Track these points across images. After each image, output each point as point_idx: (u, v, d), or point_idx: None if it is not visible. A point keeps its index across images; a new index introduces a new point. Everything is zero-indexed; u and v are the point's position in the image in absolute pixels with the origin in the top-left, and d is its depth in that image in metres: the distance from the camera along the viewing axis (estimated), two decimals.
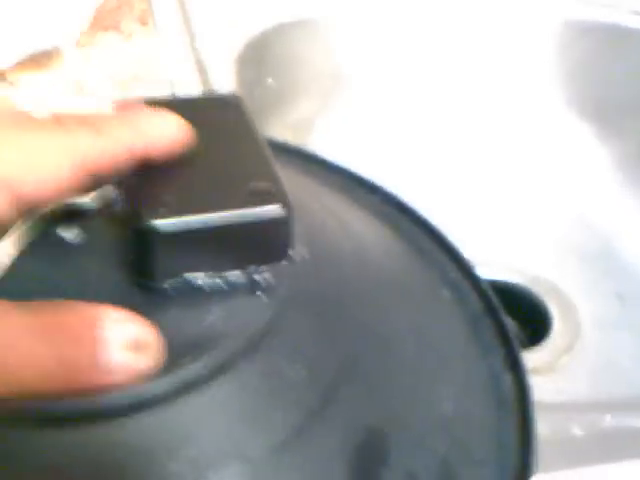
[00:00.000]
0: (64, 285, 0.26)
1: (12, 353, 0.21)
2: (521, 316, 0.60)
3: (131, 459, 0.23)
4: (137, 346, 0.22)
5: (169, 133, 0.27)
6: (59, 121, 0.24)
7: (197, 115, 0.28)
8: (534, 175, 0.69)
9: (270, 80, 0.61)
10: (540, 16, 0.68)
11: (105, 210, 0.28)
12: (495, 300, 0.35)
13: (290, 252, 0.27)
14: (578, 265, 0.64)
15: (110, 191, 0.28)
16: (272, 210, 0.26)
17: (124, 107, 0.28)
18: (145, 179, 0.27)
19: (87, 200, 0.27)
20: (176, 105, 0.29)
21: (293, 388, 0.26)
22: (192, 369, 0.24)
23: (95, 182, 0.25)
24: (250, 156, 0.28)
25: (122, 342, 0.22)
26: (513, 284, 0.63)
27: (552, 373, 0.55)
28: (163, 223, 0.25)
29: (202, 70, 0.55)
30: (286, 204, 0.26)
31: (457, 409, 0.30)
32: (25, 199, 0.23)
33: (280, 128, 0.61)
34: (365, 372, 0.28)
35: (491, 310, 0.35)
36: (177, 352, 0.24)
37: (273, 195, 0.26)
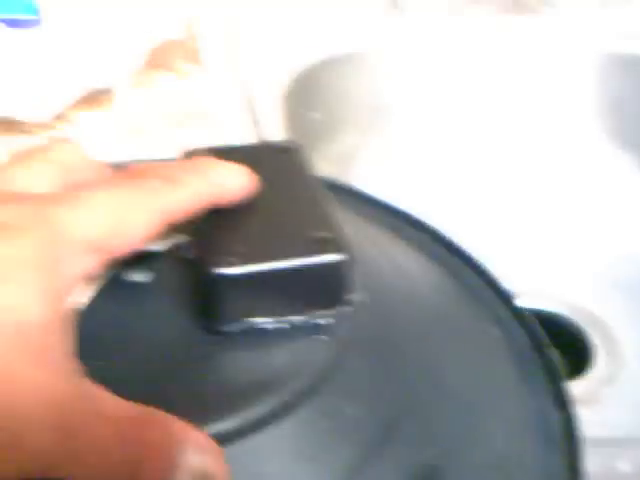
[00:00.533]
0: (134, 326, 0.28)
1: (89, 438, 0.21)
2: (563, 346, 0.60)
3: None
4: (204, 477, 0.22)
5: (237, 182, 0.28)
6: (137, 175, 0.25)
7: (258, 162, 0.30)
8: (576, 207, 0.70)
9: (316, 114, 0.63)
10: (581, 49, 0.69)
11: (173, 254, 0.29)
12: (543, 337, 0.36)
13: (350, 296, 0.28)
14: (621, 296, 0.65)
15: (179, 236, 0.29)
16: (332, 258, 0.27)
17: (193, 157, 0.29)
18: (212, 225, 0.28)
19: (156, 244, 0.29)
20: (238, 153, 0.30)
21: (353, 427, 0.27)
22: (257, 410, 0.26)
23: (168, 229, 0.27)
24: (310, 203, 0.30)
25: (194, 472, 0.22)
26: (555, 314, 0.64)
27: (594, 404, 0.56)
28: (231, 271, 0.26)
29: (251, 106, 0.57)
30: (347, 251, 0.27)
31: (508, 446, 0.31)
32: (115, 258, 0.24)
33: (323, 161, 0.63)
34: (421, 410, 0.29)
35: (539, 347, 0.36)
36: (242, 393, 0.26)
37: (334, 242, 0.27)
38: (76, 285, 0.23)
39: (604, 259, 0.68)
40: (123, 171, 0.26)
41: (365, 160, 0.67)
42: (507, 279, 0.38)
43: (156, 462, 0.21)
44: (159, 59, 0.59)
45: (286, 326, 0.28)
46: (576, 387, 0.57)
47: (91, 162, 0.26)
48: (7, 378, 0.20)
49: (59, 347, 0.22)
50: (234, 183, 0.28)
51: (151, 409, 0.22)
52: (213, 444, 0.22)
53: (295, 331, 0.28)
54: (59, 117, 0.54)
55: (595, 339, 0.62)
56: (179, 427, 0.22)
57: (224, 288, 0.26)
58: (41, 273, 0.22)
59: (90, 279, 0.25)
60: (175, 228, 0.28)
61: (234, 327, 0.27)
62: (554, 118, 0.71)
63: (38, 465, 0.21)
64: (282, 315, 0.27)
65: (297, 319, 0.28)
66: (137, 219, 0.24)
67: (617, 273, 0.66)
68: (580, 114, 0.71)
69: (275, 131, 0.55)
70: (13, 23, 0.50)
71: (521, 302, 0.37)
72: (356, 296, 0.29)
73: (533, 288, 0.65)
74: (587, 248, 0.69)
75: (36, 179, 0.24)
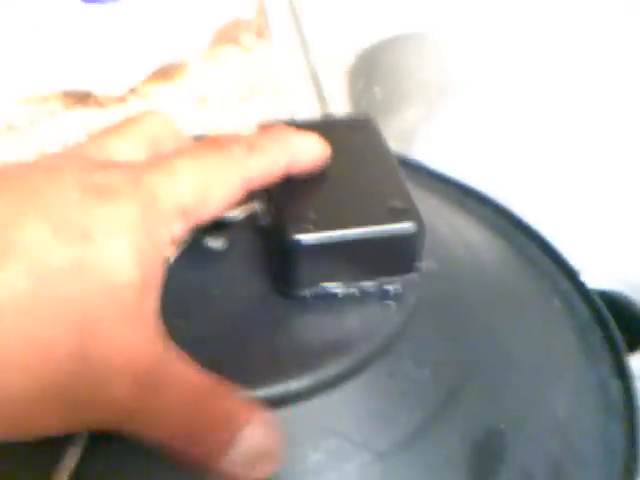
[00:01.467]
0: (212, 289, 0.29)
1: (165, 399, 0.23)
2: (619, 323, 0.60)
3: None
4: (261, 455, 0.23)
5: (311, 151, 0.29)
6: (220, 144, 0.26)
7: (335, 136, 0.31)
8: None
9: (377, 89, 0.63)
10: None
11: (249, 221, 0.30)
12: (604, 310, 0.37)
13: (418, 264, 0.30)
14: None
15: (255, 204, 0.31)
16: (406, 227, 0.28)
17: (268, 128, 0.31)
18: (288, 194, 0.29)
19: (233, 212, 0.30)
20: (315, 126, 0.32)
21: (419, 389, 0.28)
22: (330, 370, 0.27)
23: (246, 196, 0.28)
24: (384, 175, 0.31)
25: (252, 447, 0.23)
26: (616, 292, 0.64)
27: None
28: (307, 237, 0.27)
29: (315, 81, 0.58)
30: (419, 221, 0.28)
31: (568, 412, 0.31)
32: (199, 222, 0.26)
33: (387, 136, 0.63)
34: (484, 375, 0.30)
35: (600, 319, 0.36)
36: (316, 354, 0.27)
37: (407, 212, 0.28)
38: (167, 249, 0.25)
39: None
40: (206, 139, 0.27)
41: (428, 136, 0.68)
42: (570, 256, 0.39)
43: (220, 432, 0.23)
44: (228, 34, 0.60)
45: (356, 292, 0.29)
46: (633, 362, 0.58)
47: (177, 132, 0.28)
48: (99, 332, 0.22)
49: (148, 309, 0.24)
50: (310, 151, 0.29)
51: (223, 382, 0.24)
52: (272, 424, 0.24)
53: (365, 297, 0.29)
54: (133, 91, 0.55)
55: None
56: (246, 403, 0.23)
57: (299, 254, 0.28)
58: (136, 236, 0.23)
59: (176, 243, 0.26)
60: (251, 196, 0.30)
61: (307, 292, 0.28)
62: (616, 94, 0.71)
63: (116, 415, 0.22)
64: (353, 281, 0.29)
65: (367, 285, 0.29)
66: (222, 185, 0.26)
67: None
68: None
69: (340, 107, 0.56)
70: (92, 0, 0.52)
71: (584, 279, 0.38)
72: (424, 265, 0.30)
73: (595, 266, 0.65)
74: None
75: (130, 148, 0.26)
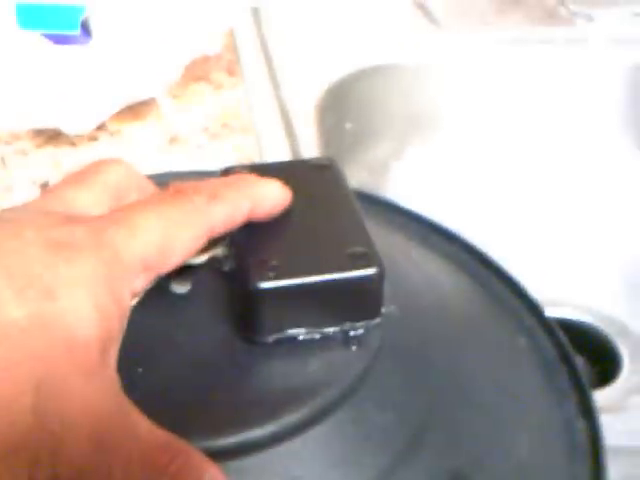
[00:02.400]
0: (174, 335, 0.29)
1: (120, 455, 0.22)
2: (591, 355, 0.61)
3: None
4: None
5: (272, 197, 0.30)
6: (181, 194, 0.27)
7: (295, 178, 0.31)
8: (606, 216, 0.70)
9: (348, 125, 0.64)
10: (611, 60, 0.70)
11: (213, 266, 0.30)
12: (569, 347, 0.37)
13: (380, 307, 0.30)
14: None
15: (217, 248, 0.31)
16: (367, 273, 0.28)
17: (231, 174, 0.31)
18: (251, 239, 0.29)
19: (196, 256, 0.30)
20: (275, 169, 0.32)
21: (383, 433, 0.28)
22: (293, 416, 0.27)
23: (208, 242, 0.28)
24: (345, 219, 0.31)
25: None
26: (583, 323, 0.65)
27: (621, 413, 0.56)
28: (270, 284, 0.28)
29: (286, 117, 0.58)
30: (379, 265, 0.29)
31: (532, 454, 0.31)
32: (161, 274, 0.26)
33: (357, 171, 0.64)
34: (448, 419, 0.30)
35: (565, 357, 0.37)
36: (279, 401, 0.27)
37: (367, 258, 0.29)
38: (128, 303, 0.25)
39: (632, 268, 0.68)
40: (167, 189, 0.27)
41: (399, 170, 0.68)
42: (536, 289, 0.39)
43: None
44: (197, 71, 0.60)
45: (319, 337, 0.29)
46: (603, 396, 0.58)
47: (138, 180, 0.28)
48: (57, 390, 0.22)
49: (106, 365, 0.24)
50: (271, 197, 0.29)
51: (176, 438, 0.24)
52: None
53: (328, 342, 0.29)
54: (103, 129, 0.55)
55: (623, 348, 0.62)
56: (199, 460, 0.23)
57: (261, 301, 0.28)
58: (97, 292, 0.23)
59: (138, 294, 0.26)
60: (214, 242, 0.30)
61: (271, 337, 0.29)
62: (582, 128, 0.72)
63: (69, 471, 0.22)
64: (316, 326, 0.29)
65: (330, 330, 0.29)
66: (184, 237, 0.26)
67: None
68: (608, 125, 0.71)
69: (310, 142, 0.56)
70: (59, 39, 0.52)
71: (549, 312, 0.38)
72: (387, 308, 0.30)
73: (561, 298, 0.66)
74: (614, 257, 0.69)
75: (92, 199, 0.26)
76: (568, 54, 0.71)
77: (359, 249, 0.29)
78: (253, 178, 0.29)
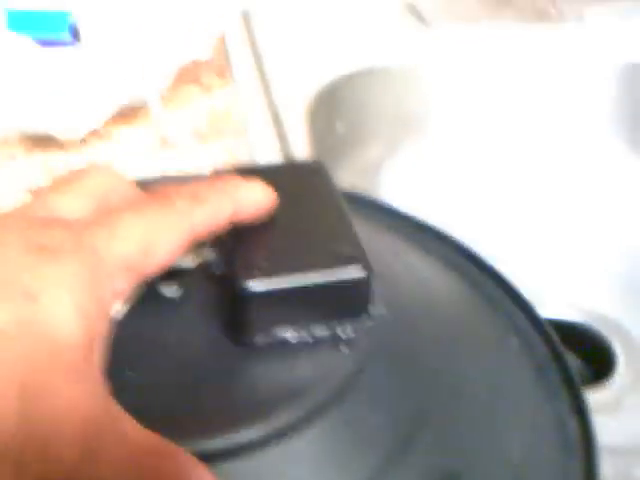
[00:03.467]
0: (165, 338, 0.29)
1: (108, 458, 0.22)
2: (585, 354, 0.61)
3: None
4: None
5: (257, 199, 0.30)
6: (163, 196, 0.27)
7: (283, 181, 0.31)
8: (599, 215, 0.71)
9: (339, 127, 0.64)
10: (601, 58, 0.70)
11: (203, 269, 0.31)
12: (560, 346, 0.37)
13: (369, 308, 0.30)
14: None
15: (206, 251, 0.31)
16: (354, 271, 0.28)
17: (217, 176, 0.31)
18: (239, 241, 0.30)
19: (186, 260, 0.30)
20: (263, 172, 0.32)
21: (374, 435, 0.28)
22: (284, 418, 0.27)
23: (194, 245, 0.28)
24: (332, 219, 0.31)
25: None
26: (578, 323, 0.65)
27: (616, 412, 0.56)
28: (257, 284, 0.28)
29: (276, 120, 0.58)
30: (366, 265, 0.29)
31: (524, 453, 0.31)
32: (145, 276, 0.26)
33: (349, 173, 0.64)
34: (439, 419, 0.30)
35: (557, 356, 0.37)
36: (270, 402, 0.27)
37: (355, 258, 0.29)
38: (111, 305, 0.25)
39: (625, 266, 0.69)
40: (151, 192, 0.28)
41: (391, 171, 0.68)
42: (530, 288, 0.39)
43: None
44: (189, 75, 0.60)
45: (309, 338, 0.29)
46: (598, 394, 0.58)
47: (123, 184, 0.28)
48: (42, 392, 0.22)
49: (91, 366, 0.23)
50: (255, 199, 0.29)
51: (166, 441, 0.24)
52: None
53: (318, 343, 0.29)
54: (94, 133, 0.56)
55: (617, 347, 0.62)
56: (189, 462, 0.23)
57: (250, 302, 0.28)
58: (79, 294, 0.23)
59: (123, 297, 0.26)
60: (203, 245, 0.30)
61: (260, 339, 0.29)
62: (573, 127, 0.72)
63: (60, 476, 0.22)
64: (305, 328, 0.29)
65: (319, 332, 0.29)
66: (166, 239, 0.26)
67: (637, 278, 0.67)
68: (600, 124, 0.72)
69: (301, 145, 0.56)
70: (48, 43, 0.52)
71: (544, 311, 0.38)
72: (376, 309, 0.30)
73: (556, 297, 0.66)
74: (608, 256, 0.69)
75: (76, 204, 0.26)
76: (559, 53, 0.71)
77: (347, 250, 0.29)
78: (236, 180, 0.29)
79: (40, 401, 0.22)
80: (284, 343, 0.29)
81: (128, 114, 0.57)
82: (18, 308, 0.22)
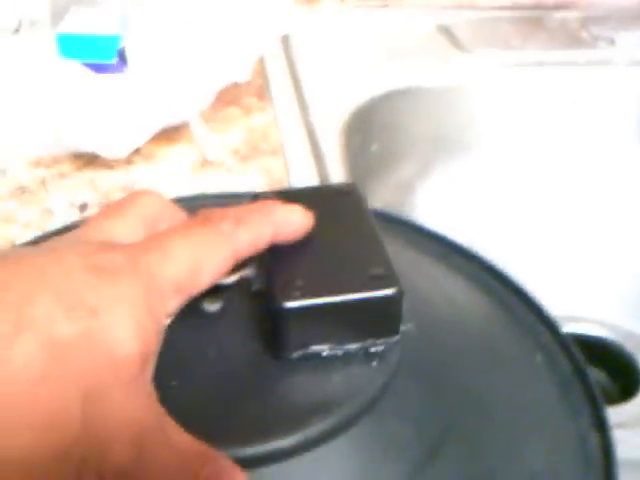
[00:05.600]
0: (205, 350, 0.31)
1: (157, 461, 0.24)
2: (613, 371, 0.62)
3: None
4: None
5: (295, 222, 0.31)
6: (209, 220, 0.29)
7: (319, 203, 0.33)
8: (624, 233, 0.71)
9: (374, 146, 0.66)
10: (629, 81, 0.71)
11: (244, 286, 0.32)
12: (584, 363, 0.38)
13: (400, 325, 0.31)
14: None
15: (248, 270, 0.33)
16: (386, 293, 0.30)
17: (257, 199, 0.33)
18: (277, 261, 0.31)
19: (229, 278, 0.32)
20: (300, 195, 0.34)
21: (401, 446, 0.30)
22: (316, 428, 0.28)
23: (237, 264, 0.30)
24: (365, 240, 0.33)
25: None
26: (606, 339, 0.65)
27: None
28: (296, 304, 0.29)
29: (313, 140, 0.60)
30: (397, 286, 0.30)
31: (546, 467, 0.33)
32: (192, 295, 0.28)
33: (383, 192, 0.66)
34: (465, 432, 0.32)
35: (580, 372, 0.38)
36: (303, 412, 0.29)
37: (387, 279, 0.30)
38: (163, 323, 0.27)
39: None
40: (196, 216, 0.29)
41: (424, 191, 0.70)
42: (557, 305, 0.40)
43: None
44: (228, 96, 0.62)
45: (341, 353, 0.31)
46: (625, 410, 0.59)
47: (170, 209, 0.30)
48: (102, 401, 0.24)
49: (145, 378, 0.25)
50: (293, 222, 0.31)
51: (208, 447, 0.26)
52: None
53: (349, 358, 0.31)
54: (138, 153, 0.58)
55: None
56: (229, 467, 0.25)
57: (288, 319, 0.30)
58: (137, 311, 0.25)
59: (172, 314, 0.28)
60: (243, 263, 0.32)
61: (295, 354, 0.30)
62: (602, 149, 0.73)
63: (113, 474, 0.24)
64: (338, 343, 0.31)
65: (351, 347, 0.31)
66: (212, 261, 0.28)
67: None
68: (627, 146, 0.72)
69: (336, 164, 0.58)
70: (97, 67, 0.54)
71: (571, 328, 0.39)
72: (405, 326, 0.32)
73: (584, 314, 0.67)
74: (634, 271, 0.70)
75: (128, 229, 0.28)
76: (590, 76, 0.72)
77: (379, 270, 0.31)
78: (276, 204, 0.31)
79: (101, 409, 0.24)
80: (318, 357, 0.30)
81: (170, 135, 0.59)
82: (82, 322, 0.24)
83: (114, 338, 0.24)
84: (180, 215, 0.30)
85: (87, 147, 0.55)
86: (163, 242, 0.27)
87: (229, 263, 0.28)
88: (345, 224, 0.34)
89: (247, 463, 0.27)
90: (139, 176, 0.56)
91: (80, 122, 0.54)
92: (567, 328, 0.64)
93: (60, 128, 0.54)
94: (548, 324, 0.40)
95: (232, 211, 0.30)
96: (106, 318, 0.24)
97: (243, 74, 0.58)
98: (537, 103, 0.72)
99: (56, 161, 0.57)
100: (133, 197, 0.29)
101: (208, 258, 0.27)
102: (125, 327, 0.25)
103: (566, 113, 0.72)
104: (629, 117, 0.73)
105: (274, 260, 0.31)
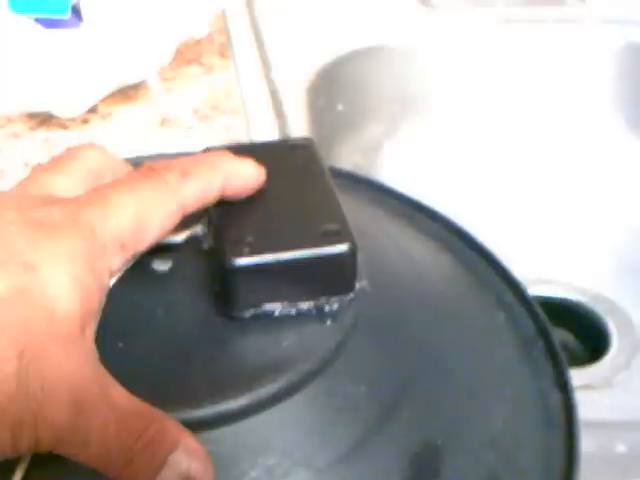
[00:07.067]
0: (153, 311, 0.30)
1: (96, 420, 0.23)
2: (581, 333, 0.62)
3: (216, 468, 0.25)
4: (190, 478, 0.24)
5: (246, 175, 0.30)
6: (153, 172, 0.27)
7: (272, 158, 0.32)
8: (595, 195, 0.71)
9: (340, 106, 0.65)
10: (601, 40, 0.70)
11: (194, 244, 0.31)
12: (546, 322, 0.38)
13: (355, 284, 0.30)
14: (638, 283, 0.66)
15: (198, 228, 0.31)
16: (340, 249, 0.29)
17: (208, 152, 0.31)
18: (227, 218, 0.30)
19: (175, 235, 0.31)
20: (253, 149, 0.33)
21: (356, 406, 0.29)
22: (269, 388, 0.28)
23: (184, 219, 0.29)
24: (319, 196, 0.32)
25: (181, 472, 0.23)
26: (574, 301, 0.65)
27: (609, 389, 0.57)
28: (246, 261, 0.28)
29: (276, 99, 0.59)
30: (352, 242, 0.29)
31: (506, 426, 0.32)
32: (138, 251, 0.27)
33: (349, 152, 0.65)
34: (422, 391, 0.31)
35: (542, 332, 0.37)
36: (255, 373, 0.28)
37: (340, 235, 0.29)
38: (107, 280, 0.26)
39: (621, 246, 0.69)
40: (141, 168, 0.28)
41: (391, 151, 0.69)
42: (527, 268, 0.40)
43: (148, 456, 0.23)
44: (189, 54, 0.61)
45: (294, 312, 0.30)
46: (592, 372, 0.59)
47: (113, 162, 0.29)
48: (39, 358, 0.23)
49: (85, 336, 0.25)
50: (244, 175, 0.30)
51: (152, 407, 0.24)
52: (203, 450, 0.24)
53: (303, 317, 0.30)
54: (95, 112, 0.56)
55: (612, 325, 0.63)
56: (174, 428, 0.24)
57: (238, 277, 0.29)
58: (76, 267, 0.24)
59: (118, 272, 0.27)
60: (193, 221, 0.31)
61: (247, 313, 0.29)
62: (574, 108, 0.72)
63: (51, 437, 0.23)
64: (291, 302, 0.30)
65: (304, 305, 0.30)
66: (157, 214, 0.27)
67: (634, 260, 0.68)
68: (600, 105, 0.72)
69: (300, 124, 0.57)
70: (51, 23, 0.53)
71: (540, 290, 0.39)
72: (361, 283, 0.31)
73: (552, 276, 0.67)
74: (604, 236, 0.70)
75: (69, 183, 0.27)
76: (560, 34, 0.71)
77: (332, 226, 0.30)
78: (225, 155, 0.30)
79: (37, 366, 0.23)
80: (270, 316, 0.30)
81: (128, 93, 0.57)
82: (17, 277, 0.23)
83: (52, 294, 0.23)
84: (124, 169, 0.29)
85: (41, 106, 0.53)
86: (105, 195, 0.26)
87: (176, 217, 0.27)
88: (299, 179, 0.32)
89: (197, 426, 0.26)
90: (95, 135, 0.54)
91: (33, 80, 0.52)
92: (537, 290, 0.63)
93: (12, 86, 0.53)
94: (512, 284, 0.39)
95: (178, 162, 0.28)
96: (43, 274, 0.23)
97: (202, 29, 0.56)
98: (505, 61, 0.71)
99: (9, 120, 0.56)
100: (75, 151, 0.28)
101: (153, 211, 0.26)
102: (64, 283, 0.24)
103: (535, 72, 0.71)
104: (601, 77, 0.72)
105: (224, 216, 0.30)
